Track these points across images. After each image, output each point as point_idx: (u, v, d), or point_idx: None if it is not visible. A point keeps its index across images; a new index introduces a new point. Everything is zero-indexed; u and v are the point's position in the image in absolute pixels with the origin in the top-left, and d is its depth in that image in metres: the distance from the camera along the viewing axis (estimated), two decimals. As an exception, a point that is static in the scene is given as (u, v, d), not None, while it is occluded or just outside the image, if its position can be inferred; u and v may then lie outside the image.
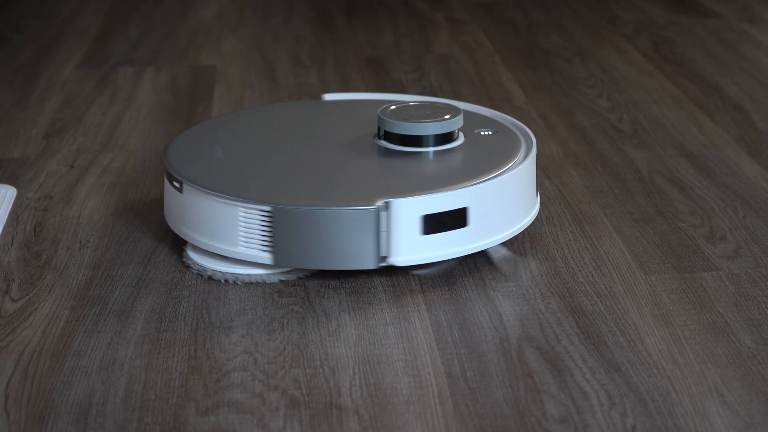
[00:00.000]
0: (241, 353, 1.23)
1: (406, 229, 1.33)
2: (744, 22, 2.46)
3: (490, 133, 1.51)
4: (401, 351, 1.23)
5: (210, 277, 1.38)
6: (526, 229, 1.49)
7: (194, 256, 1.41)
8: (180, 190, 1.40)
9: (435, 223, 1.34)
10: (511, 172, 1.39)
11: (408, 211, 1.32)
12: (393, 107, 1.49)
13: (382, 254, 1.34)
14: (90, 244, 1.48)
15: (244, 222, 1.35)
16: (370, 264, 1.34)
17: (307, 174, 1.41)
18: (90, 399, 1.15)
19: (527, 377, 1.18)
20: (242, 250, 1.36)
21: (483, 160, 1.43)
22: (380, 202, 1.32)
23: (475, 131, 1.51)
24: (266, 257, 1.35)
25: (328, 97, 1.67)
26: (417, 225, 1.33)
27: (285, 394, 1.16)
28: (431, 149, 1.46)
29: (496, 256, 1.43)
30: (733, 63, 2.17)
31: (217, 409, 1.14)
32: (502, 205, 1.39)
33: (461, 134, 1.49)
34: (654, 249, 1.44)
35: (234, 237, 1.36)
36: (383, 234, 1.33)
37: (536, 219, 1.52)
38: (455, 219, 1.35)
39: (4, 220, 1.53)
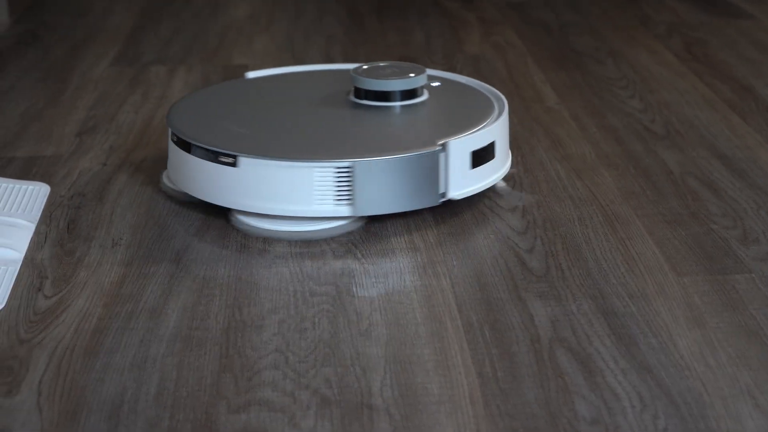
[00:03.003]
0: (272, 352, 1.23)
1: (460, 166, 1.50)
2: (777, 23, 2.45)
3: (438, 84, 1.71)
4: (432, 351, 1.23)
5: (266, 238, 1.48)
6: (558, 229, 1.49)
7: (246, 219, 1.50)
8: (234, 164, 1.47)
9: (479, 158, 1.52)
10: (505, 113, 1.61)
11: (461, 150, 1.50)
12: (366, 67, 1.66)
13: (441, 191, 1.50)
14: (122, 241, 1.48)
15: (320, 180, 1.46)
16: (433, 201, 1.50)
17: (342, 132, 1.56)
18: (122, 396, 1.16)
19: (558, 378, 1.18)
20: (316, 208, 1.47)
21: (469, 109, 1.63)
22: (439, 145, 1.48)
23: (430, 84, 1.71)
24: (344, 210, 1.47)
25: (251, 74, 1.80)
26: (468, 161, 1.51)
27: (316, 393, 1.16)
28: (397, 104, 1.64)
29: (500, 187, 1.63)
30: (765, 64, 2.16)
31: (248, 408, 1.14)
32: (506, 140, 1.62)
33: (425, 91, 1.67)
34: (686, 251, 1.44)
35: (308, 196, 1.47)
36: (442, 172, 1.49)
37: (568, 219, 1.52)
38: (489, 152, 1.54)
39: (38, 218, 1.54)
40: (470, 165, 1.51)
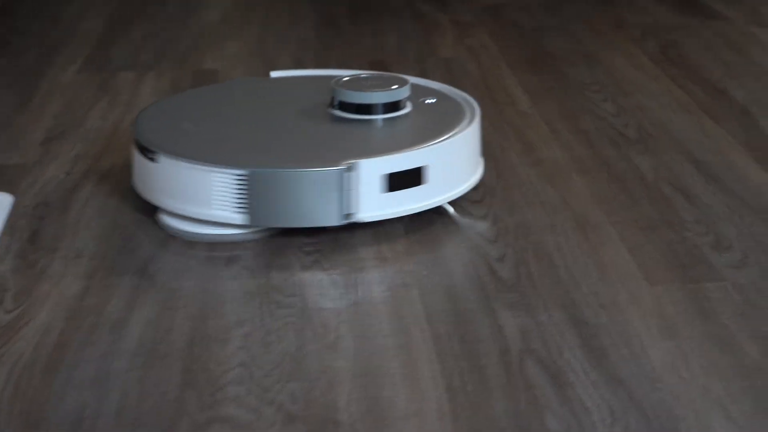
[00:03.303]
0: (237, 366, 1.21)
1: (371, 188, 1.44)
2: (752, 24, 2.43)
3: (433, 101, 1.64)
4: (400, 364, 1.21)
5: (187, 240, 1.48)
6: (529, 237, 1.47)
7: (169, 220, 1.50)
8: (154, 160, 1.49)
9: (398, 182, 1.46)
10: (463, 133, 1.53)
11: (372, 172, 1.44)
12: (346, 79, 1.61)
13: (347, 211, 1.45)
14: (86, 252, 1.46)
15: (219, 186, 1.44)
16: (334, 221, 1.45)
17: (273, 141, 1.53)
18: (82, 413, 1.13)
19: (528, 391, 1.16)
20: (216, 213, 1.46)
21: (434, 124, 1.56)
22: (346, 164, 1.43)
23: (420, 100, 1.64)
24: (239, 218, 1.45)
25: (275, 74, 1.81)
26: (379, 184, 1.45)
27: (281, 409, 1.14)
28: (380, 117, 1.59)
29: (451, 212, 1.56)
30: (740, 66, 2.15)
31: (211, 424, 1.11)
32: (455, 163, 1.53)
33: (409, 103, 1.61)
34: (659, 258, 1.42)
35: (208, 200, 1.46)
36: (349, 193, 1.44)
37: (539, 226, 1.50)
38: (414, 177, 1.47)
39: (1, 229, 1.51)
40: (384, 188, 1.45)
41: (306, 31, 2.47)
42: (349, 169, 1.43)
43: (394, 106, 1.58)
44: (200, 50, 2.33)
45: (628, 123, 1.87)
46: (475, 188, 1.61)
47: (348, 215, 1.45)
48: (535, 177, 1.66)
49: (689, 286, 1.35)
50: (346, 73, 1.70)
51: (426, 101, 1.62)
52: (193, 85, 2.09)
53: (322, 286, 1.37)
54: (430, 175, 1.48)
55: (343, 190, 1.43)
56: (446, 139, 1.51)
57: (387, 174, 1.45)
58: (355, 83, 1.60)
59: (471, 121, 1.57)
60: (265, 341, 1.25)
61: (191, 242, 1.47)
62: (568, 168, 1.69)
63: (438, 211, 1.54)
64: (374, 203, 1.45)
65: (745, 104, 1.94)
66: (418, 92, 1.66)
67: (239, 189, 1.44)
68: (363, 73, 1.66)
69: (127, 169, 1.71)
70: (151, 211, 1.56)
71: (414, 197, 1.48)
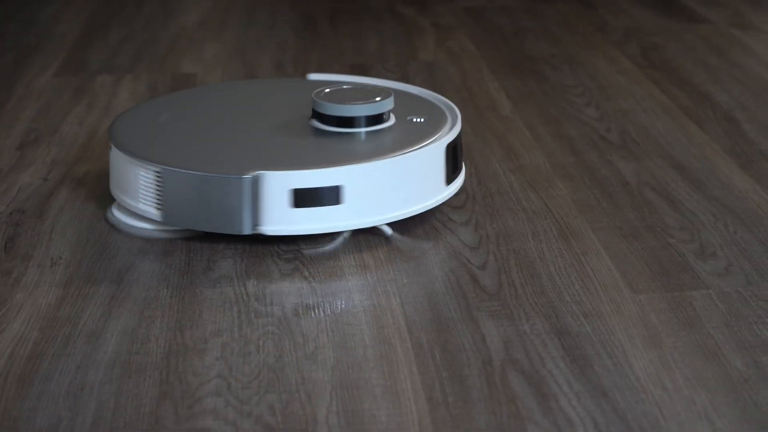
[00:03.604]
0: (214, 377, 1.19)
1: (277, 202, 1.41)
2: (734, 27, 2.42)
3: (422, 120, 1.56)
4: (381, 375, 1.19)
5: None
6: (511, 244, 1.45)
7: (115, 211, 1.53)
8: (110, 149, 1.54)
9: (306, 198, 1.42)
10: (394, 158, 1.45)
11: (278, 185, 1.41)
12: (327, 90, 1.57)
13: (256, 223, 1.42)
14: (62, 261, 1.43)
15: (143, 181, 1.46)
16: (238, 230, 1.42)
17: (227, 146, 1.51)
18: (56, 427, 1.11)
19: (510, 403, 1.14)
20: (141, 206, 1.48)
21: (379, 143, 1.51)
22: (252, 174, 1.41)
23: (408, 118, 1.57)
24: (158, 215, 1.46)
25: (313, 77, 1.77)
26: (287, 199, 1.41)
27: (259, 422, 1.12)
28: (362, 130, 1.53)
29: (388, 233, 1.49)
30: (723, 70, 2.13)
31: (188, 438, 1.09)
32: (380, 188, 1.45)
33: (392, 116, 1.56)
34: (642, 266, 1.40)
35: (136, 194, 1.48)
36: (258, 203, 1.41)
37: (522, 234, 1.48)
38: (329, 196, 1.42)
39: (-26, 236, 1.49)
40: (291, 203, 1.42)
41: (285, 34, 2.44)
42: (254, 179, 1.40)
43: (376, 119, 1.54)
44: (178, 53, 2.31)
45: (611, 128, 1.85)
46: (456, 194, 1.59)
47: (255, 226, 1.42)
48: (517, 183, 1.64)
49: (673, 295, 1.34)
50: (376, 83, 1.69)
51: (414, 119, 1.56)
52: (171, 90, 2.07)
53: (301, 294, 1.35)
54: (347, 197, 1.43)
55: (248, 200, 1.41)
56: (369, 161, 1.44)
57: (294, 189, 1.41)
58: (335, 95, 1.56)
59: (431, 143, 1.50)
60: (243, 351, 1.23)
61: (169, 251, 1.45)
62: (551, 174, 1.67)
63: (419, 217, 1.52)
64: (280, 217, 1.42)
65: (729, 108, 1.93)
66: (406, 105, 1.61)
67: (157, 186, 1.44)
68: (345, 84, 1.63)
69: (104, 175, 1.68)
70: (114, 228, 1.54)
71: (325, 217, 1.43)
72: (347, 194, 1.43)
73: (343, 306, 1.32)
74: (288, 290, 1.36)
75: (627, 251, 1.44)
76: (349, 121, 1.53)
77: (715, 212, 1.54)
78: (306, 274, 1.39)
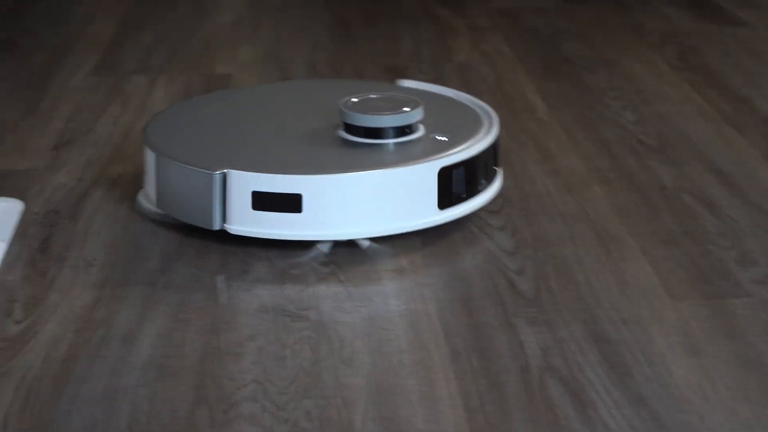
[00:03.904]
0: (250, 382, 1.18)
1: (239, 201, 1.41)
2: (773, 31, 2.40)
3: (446, 139, 1.50)
4: (417, 381, 1.18)
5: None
6: (549, 249, 1.44)
7: (142, 200, 1.56)
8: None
9: (266, 202, 1.41)
10: (355, 173, 1.42)
11: (240, 185, 1.41)
12: (355, 99, 1.53)
13: (224, 221, 1.43)
14: (97, 262, 1.43)
15: (151, 166, 1.51)
16: (207, 224, 1.44)
17: (216, 141, 1.53)
18: (91, 430, 1.10)
19: (549, 411, 1.12)
20: (148, 190, 1.54)
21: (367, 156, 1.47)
22: (220, 171, 1.42)
23: (431, 135, 1.51)
24: (154, 199, 1.51)
25: (404, 83, 1.73)
26: (248, 199, 1.41)
27: (296, 427, 1.10)
28: (390, 141, 1.49)
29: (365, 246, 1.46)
30: (762, 74, 2.11)
31: (223, 443, 1.09)
32: (343, 202, 1.41)
33: (421, 128, 1.51)
34: (682, 273, 1.39)
35: (149, 179, 1.53)
36: (223, 201, 1.42)
37: (559, 238, 1.47)
38: (288, 203, 1.40)
39: (10, 237, 1.48)
40: (251, 205, 1.41)
41: (319, 35, 2.44)
42: (221, 176, 1.41)
43: (402, 130, 1.49)
44: (213, 54, 2.30)
45: (648, 131, 1.84)
46: (493, 198, 1.58)
47: (224, 224, 1.44)
48: (554, 187, 1.63)
49: (714, 302, 1.32)
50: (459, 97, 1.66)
51: (437, 137, 1.51)
52: (205, 90, 2.06)
53: (338, 298, 1.34)
54: (307, 206, 1.41)
55: (216, 196, 1.42)
56: (328, 173, 1.42)
57: (255, 191, 1.41)
58: (361, 105, 1.51)
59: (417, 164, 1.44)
60: (279, 356, 1.22)
61: (204, 253, 1.44)
62: (588, 178, 1.66)
63: (457, 222, 1.50)
64: (243, 218, 1.42)
65: None
66: (436, 125, 1.55)
67: (155, 172, 1.48)
68: (373, 94, 1.56)
69: (138, 175, 1.68)
70: (162, 219, 1.53)
71: (283, 223, 1.42)
72: (305, 204, 1.41)
73: (379, 310, 1.31)
74: (324, 294, 1.35)
75: (666, 257, 1.42)
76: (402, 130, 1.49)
77: (755, 218, 1.52)
78: (342, 278, 1.38)
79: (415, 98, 1.53)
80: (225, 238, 1.46)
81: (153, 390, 1.17)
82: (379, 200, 1.42)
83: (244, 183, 1.41)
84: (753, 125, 1.85)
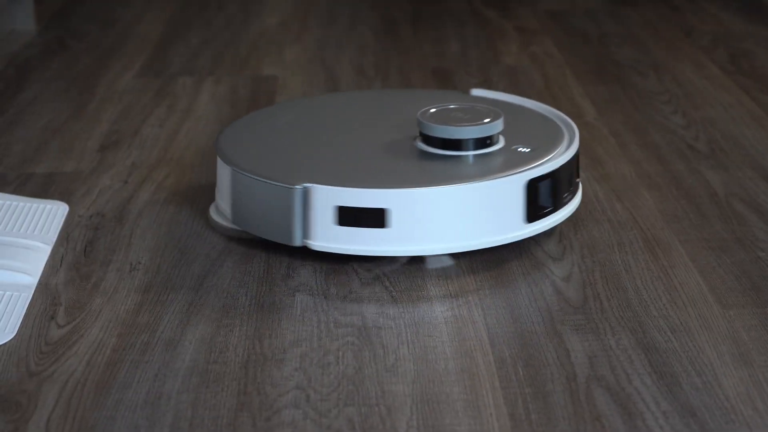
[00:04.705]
0: (293, 389, 1.17)
1: (322, 217, 1.37)
2: (826, 34, 2.36)
3: (527, 150, 1.46)
4: (462, 389, 1.16)
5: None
6: (596, 256, 1.42)
7: (213, 214, 1.52)
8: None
9: (351, 217, 1.36)
10: (444, 187, 1.37)
11: (324, 200, 1.37)
12: (433, 110, 1.49)
13: (305, 236, 1.39)
14: (141, 266, 1.42)
15: (226, 181, 1.46)
16: (287, 240, 1.40)
17: (293, 154, 1.49)
18: (133, 436, 1.10)
19: (596, 421, 1.11)
20: (222, 204, 1.49)
21: (452, 169, 1.42)
22: (302, 185, 1.37)
23: (512, 147, 1.47)
24: (230, 214, 1.47)
25: (476, 92, 1.68)
26: (332, 215, 1.37)
27: (338, 435, 1.10)
28: (470, 153, 1.45)
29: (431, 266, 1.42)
30: (814, 78, 2.08)
31: (266, 451, 1.08)
32: (431, 216, 1.37)
33: (501, 140, 1.48)
34: (732, 280, 1.36)
35: (222, 193, 1.49)
36: (305, 216, 1.38)
37: (607, 245, 1.45)
38: (374, 218, 1.36)
39: (55, 239, 1.48)
40: (335, 220, 1.36)
41: (366, 37, 2.42)
42: (302, 191, 1.37)
43: (483, 142, 1.45)
44: (259, 55, 2.30)
45: (698, 136, 1.81)
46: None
47: (305, 239, 1.39)
48: (602, 193, 1.61)
49: (764, 311, 1.30)
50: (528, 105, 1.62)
51: (519, 149, 1.46)
52: (252, 92, 2.06)
53: (382, 304, 1.33)
54: (394, 221, 1.36)
55: (297, 211, 1.38)
56: (415, 187, 1.37)
57: (339, 206, 1.36)
58: (439, 115, 1.47)
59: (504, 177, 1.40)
60: (322, 362, 1.21)
61: (248, 257, 1.43)
62: (637, 183, 1.64)
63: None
64: (326, 234, 1.38)
65: (820, 118, 1.88)
66: (517, 136, 1.51)
67: (231, 186, 1.44)
68: (452, 104, 1.52)
69: (183, 178, 1.67)
70: (206, 222, 1.52)
71: (369, 239, 1.37)
72: (393, 219, 1.36)
73: (424, 316, 1.30)
74: (368, 299, 1.34)
75: (715, 264, 1.40)
76: (454, 144, 1.45)
77: (807, 225, 1.50)
78: (387, 283, 1.37)
79: (495, 109, 1.49)
80: (269, 242, 1.45)
81: (196, 396, 1.16)
82: (467, 214, 1.38)
83: (328, 197, 1.36)
84: (805, 130, 1.83)
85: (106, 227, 1.53)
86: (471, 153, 1.45)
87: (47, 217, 1.53)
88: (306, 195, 1.37)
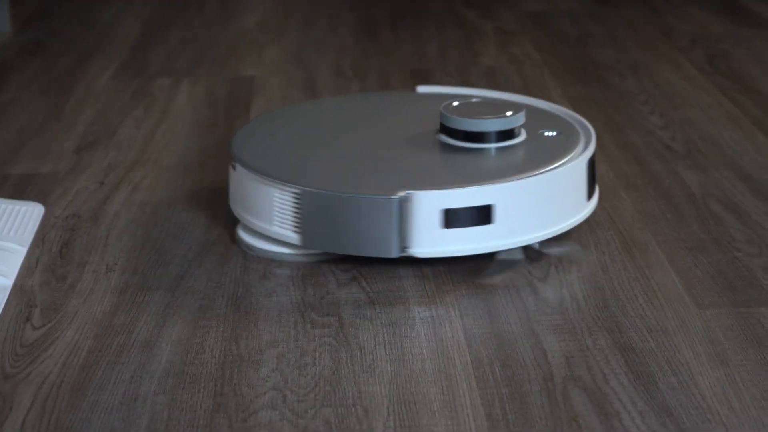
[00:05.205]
0: (269, 390, 1.16)
1: (427, 223, 1.34)
2: (803, 34, 2.37)
3: (554, 134, 1.50)
4: (439, 390, 1.16)
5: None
6: (574, 256, 1.42)
7: (244, 235, 1.45)
8: (234, 168, 1.46)
9: (457, 218, 1.34)
10: (544, 175, 1.39)
11: (429, 205, 1.34)
12: (456, 103, 1.50)
13: (404, 245, 1.35)
14: (117, 267, 1.42)
15: (279, 202, 1.38)
16: (387, 252, 1.35)
17: (353, 163, 1.45)
18: (109, 438, 1.09)
19: (572, 421, 1.11)
20: (276, 230, 1.40)
21: (522, 159, 1.44)
22: (401, 194, 1.33)
23: (539, 131, 1.50)
24: (296, 238, 1.39)
25: (422, 89, 1.70)
26: (438, 219, 1.34)
27: (314, 436, 1.09)
28: (493, 145, 1.47)
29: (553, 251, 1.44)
30: (792, 78, 2.09)
31: (241, 452, 1.07)
32: (534, 206, 1.38)
33: (523, 132, 1.49)
34: (708, 280, 1.36)
35: (270, 216, 1.40)
36: (405, 224, 1.34)
37: (584, 245, 1.45)
38: (479, 216, 1.35)
39: (30, 240, 1.48)
40: (442, 224, 1.35)
41: (345, 37, 2.42)
42: (404, 199, 1.34)
43: (507, 134, 1.47)
44: (238, 56, 2.29)
45: (676, 136, 1.82)
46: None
47: (404, 248, 1.36)
48: (580, 192, 1.61)
49: (740, 311, 1.30)
50: (484, 95, 1.62)
51: (545, 133, 1.49)
52: (229, 93, 2.05)
53: (359, 304, 1.32)
54: (498, 216, 1.37)
55: (396, 221, 1.34)
56: (521, 178, 1.38)
57: (445, 209, 1.35)
58: (464, 108, 1.49)
59: (575, 158, 1.44)
60: (299, 363, 1.21)
61: (225, 258, 1.43)
62: (615, 184, 1.64)
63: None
64: (431, 239, 1.36)
65: (797, 118, 1.88)
66: (536, 120, 1.53)
67: (295, 207, 1.38)
68: (498, 96, 1.57)
69: (160, 179, 1.67)
70: (183, 223, 1.52)
71: (475, 237, 1.37)
72: (497, 214, 1.36)
73: (401, 317, 1.30)
74: (345, 300, 1.33)
75: (692, 265, 1.40)
76: (480, 136, 1.46)
77: (784, 225, 1.50)
78: (363, 284, 1.37)
79: (514, 102, 1.52)
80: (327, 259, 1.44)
81: (172, 397, 1.15)
82: (555, 199, 1.41)
83: (432, 202, 1.34)
84: (783, 130, 1.83)
85: (82, 228, 1.52)
86: (515, 141, 1.47)
87: (23, 218, 1.53)
88: (405, 203, 1.34)
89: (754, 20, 2.48)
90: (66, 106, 2.00)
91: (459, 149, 1.46)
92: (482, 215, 1.36)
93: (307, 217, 1.37)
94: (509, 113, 1.47)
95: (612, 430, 1.09)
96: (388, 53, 2.30)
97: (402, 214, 1.34)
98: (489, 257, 1.42)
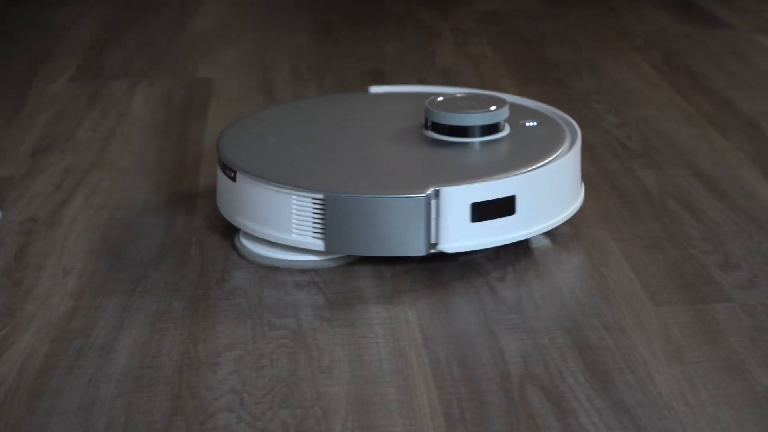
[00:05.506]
0: (227, 392, 1.16)
1: (456, 218, 1.35)
2: (757, 33, 2.38)
3: (535, 124, 1.53)
4: (397, 390, 1.16)
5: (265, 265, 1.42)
6: (531, 255, 1.43)
7: (248, 244, 1.43)
8: (233, 179, 1.43)
9: (484, 211, 1.36)
10: (558, 161, 1.43)
11: (458, 200, 1.35)
12: (440, 99, 1.52)
13: (432, 241, 1.36)
14: (74, 271, 1.41)
15: (297, 210, 1.37)
16: (418, 251, 1.36)
17: (358, 163, 1.46)
18: (66, 443, 1.09)
19: (529, 420, 1.11)
20: (295, 237, 1.38)
21: (529, 149, 1.47)
22: (430, 190, 1.34)
23: (520, 122, 1.53)
24: (318, 244, 1.37)
25: (374, 89, 1.72)
26: (467, 213, 1.35)
27: (273, 438, 1.09)
28: (477, 140, 1.49)
29: (535, 246, 1.45)
30: (746, 76, 2.10)
31: (199, 455, 1.07)
32: (549, 193, 1.42)
33: (507, 125, 1.51)
34: (664, 278, 1.37)
35: (287, 224, 1.39)
36: (433, 221, 1.35)
37: (542, 244, 1.46)
38: (503, 207, 1.37)
39: (-14, 245, 1.47)
40: (470, 218, 1.37)
41: (303, 39, 2.42)
42: (433, 196, 1.35)
43: (492, 128, 1.49)
44: (195, 58, 2.29)
45: (632, 135, 1.83)
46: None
47: (432, 245, 1.37)
48: (537, 192, 1.61)
49: (696, 308, 1.31)
50: (442, 91, 1.62)
51: (527, 124, 1.52)
52: (186, 95, 2.05)
53: (316, 306, 1.33)
54: (519, 206, 1.39)
55: (425, 218, 1.35)
56: (539, 167, 1.41)
57: (473, 203, 1.36)
58: (449, 103, 1.51)
59: (570, 147, 1.47)
60: (257, 365, 1.21)
61: (182, 261, 1.43)
62: (571, 182, 1.65)
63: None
64: (460, 234, 1.37)
65: (753, 116, 1.89)
66: (517, 113, 1.56)
67: (316, 213, 1.37)
68: (458, 92, 1.58)
69: (117, 182, 1.66)
70: (141, 226, 1.52)
71: (500, 229, 1.39)
72: (519, 204, 1.39)
73: (359, 317, 1.30)
74: (303, 302, 1.33)
75: (649, 262, 1.41)
76: (493, 128, 1.50)
77: (738, 222, 1.51)
78: (321, 284, 1.37)
79: (497, 95, 1.56)
80: (204, 246, 1.45)
81: (129, 401, 1.15)
82: (565, 186, 1.45)
83: (461, 197, 1.35)
84: (737, 128, 1.84)
85: (38, 232, 1.51)
86: (502, 134, 1.50)
87: (-21, 223, 1.52)
88: (434, 199, 1.35)
89: (707, 20, 2.50)
90: (22, 109, 1.99)
91: (445, 143, 1.48)
92: (506, 206, 1.38)
93: (331, 222, 1.36)
94: (493, 107, 1.49)
95: (569, 428, 1.10)
96: (346, 54, 2.30)
97: (431, 210, 1.35)
98: (448, 257, 1.42)
